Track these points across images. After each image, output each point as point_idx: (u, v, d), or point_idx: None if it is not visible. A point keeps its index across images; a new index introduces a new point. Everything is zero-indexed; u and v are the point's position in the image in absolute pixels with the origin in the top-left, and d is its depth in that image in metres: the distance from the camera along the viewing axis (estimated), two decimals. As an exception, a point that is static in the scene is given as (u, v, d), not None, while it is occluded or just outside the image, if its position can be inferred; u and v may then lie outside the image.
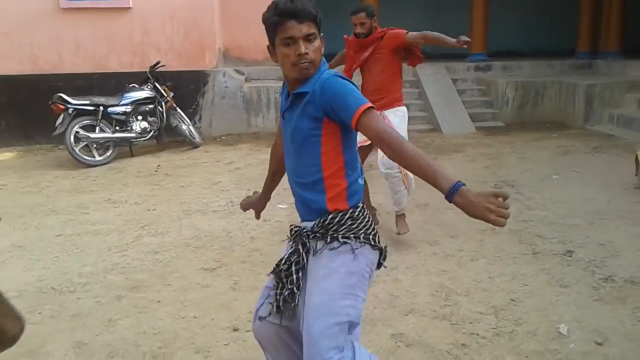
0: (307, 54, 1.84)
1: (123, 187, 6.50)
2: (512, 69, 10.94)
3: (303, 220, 2.08)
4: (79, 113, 7.53)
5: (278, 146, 2.29)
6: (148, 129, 8.05)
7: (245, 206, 2.54)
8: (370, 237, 2.01)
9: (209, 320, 3.30)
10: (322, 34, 1.90)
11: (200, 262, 4.19)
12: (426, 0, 13.68)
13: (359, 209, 2.01)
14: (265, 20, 1.88)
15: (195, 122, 9.14)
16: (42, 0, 8.79)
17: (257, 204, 2.49)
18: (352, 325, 1.99)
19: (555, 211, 5.15)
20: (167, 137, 8.45)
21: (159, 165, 7.53)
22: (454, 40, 4.25)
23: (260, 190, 2.47)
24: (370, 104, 1.80)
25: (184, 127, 8.50)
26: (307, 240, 2.01)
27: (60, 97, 7.45)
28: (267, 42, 1.94)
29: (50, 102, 7.51)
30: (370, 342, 3.02)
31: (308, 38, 1.84)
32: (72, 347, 3.03)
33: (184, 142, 8.58)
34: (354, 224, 1.98)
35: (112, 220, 5.24)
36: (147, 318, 3.35)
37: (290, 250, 2.06)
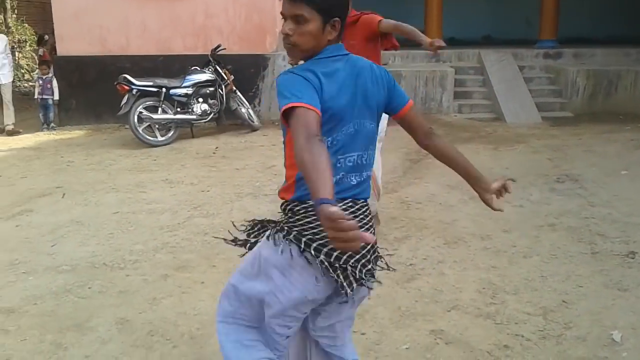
0: (288, 34, 1.74)
1: (181, 167, 6.64)
2: (584, 56, 10.37)
3: None
4: (143, 94, 7.74)
5: None
6: (208, 111, 8.19)
7: None
8: (304, 240, 1.77)
9: (249, 304, 3.32)
10: (334, 19, 1.74)
11: (247, 246, 4.21)
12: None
13: (303, 205, 1.80)
14: None
15: (254, 106, 9.22)
16: (112, -17, 9.06)
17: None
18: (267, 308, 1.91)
19: (620, 209, 4.86)
20: (227, 120, 8.56)
21: (217, 147, 7.64)
22: (427, 41, 3.85)
23: None
24: (291, 104, 1.61)
25: (243, 110, 8.59)
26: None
27: (125, 78, 7.68)
28: None
29: (115, 83, 7.76)
30: (408, 337, 2.95)
31: (297, 19, 1.72)
32: (115, 322, 3.13)
33: (242, 125, 8.67)
34: (292, 217, 1.82)
35: (167, 200, 5.37)
36: (190, 298, 3.40)
37: None
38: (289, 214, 1.84)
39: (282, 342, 1.99)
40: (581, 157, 6.68)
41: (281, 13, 1.77)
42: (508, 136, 7.87)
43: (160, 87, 7.81)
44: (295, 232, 1.80)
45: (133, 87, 7.68)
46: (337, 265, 1.76)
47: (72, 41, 9.22)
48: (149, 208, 5.15)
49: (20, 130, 8.99)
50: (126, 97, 7.70)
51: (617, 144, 7.26)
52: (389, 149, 6.88)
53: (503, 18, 13.10)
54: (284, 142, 1.88)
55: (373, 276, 1.89)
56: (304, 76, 1.69)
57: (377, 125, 1.89)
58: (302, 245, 1.78)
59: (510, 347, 2.85)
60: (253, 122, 8.64)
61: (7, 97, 9.03)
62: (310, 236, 1.78)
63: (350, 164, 1.81)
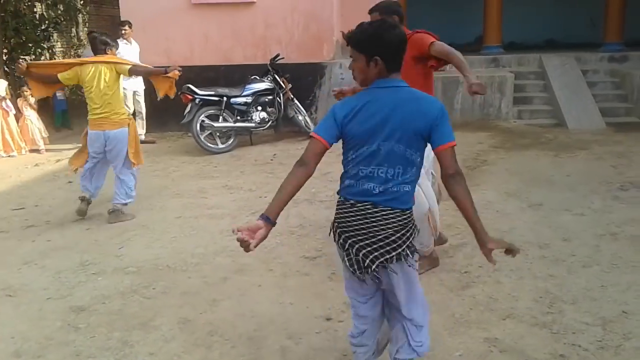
0: (352, 69, 2.32)
1: (240, 174, 6.84)
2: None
3: None
4: (205, 103, 8.03)
5: None
6: (267, 119, 8.39)
7: None
8: (330, 226, 2.34)
9: (303, 307, 3.42)
10: (374, 57, 2.18)
11: (302, 250, 4.32)
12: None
13: (339, 199, 2.30)
14: None
15: (311, 113, 9.37)
16: (176, -3, 9.45)
17: None
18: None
19: (688, 218, 4.67)
20: (284, 127, 8.74)
21: (275, 154, 7.82)
22: (470, 81, 3.57)
23: None
24: (312, 133, 2.31)
25: (300, 117, 8.75)
26: None
27: (189, 87, 7.98)
28: None
29: (179, 93, 8.07)
30: (462, 345, 2.96)
31: (352, 58, 2.28)
32: (177, 322, 3.29)
33: (299, 133, 8.82)
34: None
35: (227, 205, 5.55)
36: (247, 301, 3.53)
37: None
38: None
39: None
40: (647, 163, 6.44)
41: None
42: (569, 142, 7.67)
43: (222, 96, 8.07)
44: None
45: (196, 96, 7.97)
46: (347, 251, 2.25)
47: (140, 52, 9.65)
48: (209, 213, 5.35)
49: (155, 141, 9.12)
50: (189, 106, 8.00)
51: (688, 151, 6.95)
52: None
53: (566, 21, 12.75)
54: None
55: (384, 266, 2.23)
56: (333, 110, 2.27)
57: (416, 150, 2.20)
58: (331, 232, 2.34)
59: (566, 356, 2.82)
60: (310, 129, 8.77)
61: (142, 106, 9.24)
62: (334, 223, 2.31)
63: (370, 174, 2.20)
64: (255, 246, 2.13)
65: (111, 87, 5.05)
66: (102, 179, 5.43)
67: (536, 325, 3.14)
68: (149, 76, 5.68)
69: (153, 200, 5.86)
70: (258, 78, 8.50)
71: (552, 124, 8.83)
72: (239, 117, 8.24)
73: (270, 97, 8.47)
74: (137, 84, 8.92)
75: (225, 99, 8.08)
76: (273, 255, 4.26)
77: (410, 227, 2.25)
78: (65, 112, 10.78)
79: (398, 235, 2.20)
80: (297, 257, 4.21)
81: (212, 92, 8.13)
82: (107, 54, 5.14)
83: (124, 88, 8.15)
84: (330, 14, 9.40)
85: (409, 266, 2.27)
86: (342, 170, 2.32)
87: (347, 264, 2.26)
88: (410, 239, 2.24)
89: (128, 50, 8.72)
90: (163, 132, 9.72)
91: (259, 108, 8.38)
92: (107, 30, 18.01)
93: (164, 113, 9.57)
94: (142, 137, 8.85)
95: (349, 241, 2.23)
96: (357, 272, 2.24)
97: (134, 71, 5.21)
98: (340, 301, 3.45)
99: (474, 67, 9.98)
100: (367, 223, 2.18)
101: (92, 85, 5.02)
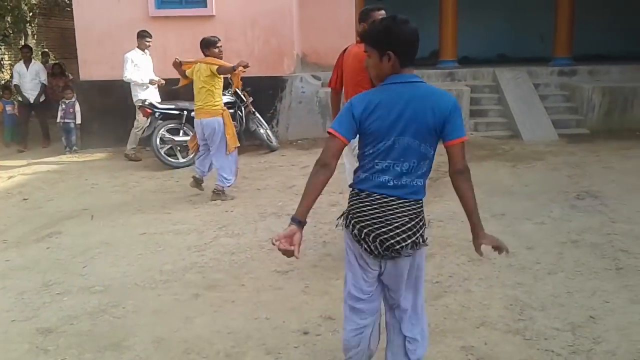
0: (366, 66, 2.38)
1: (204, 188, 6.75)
2: (599, 73, 10.42)
3: None
4: (165, 117, 7.91)
5: None
6: (226, 133, 8.31)
7: None
8: (342, 218, 2.41)
9: (280, 322, 3.39)
10: (387, 52, 2.23)
11: (274, 265, 4.29)
12: (506, 3, 13.29)
13: (353, 191, 2.35)
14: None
15: (272, 127, 9.35)
16: (132, 9, 9.31)
17: None
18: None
19: (642, 225, 4.89)
20: (246, 141, 8.68)
21: (237, 168, 7.74)
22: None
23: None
24: (330, 129, 2.27)
25: (261, 131, 8.73)
26: None
27: (148, 101, 7.85)
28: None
29: (138, 106, 7.93)
30: (440, 354, 3.00)
31: (366, 54, 2.34)
32: (151, 341, 3.21)
33: (261, 146, 8.79)
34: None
35: (192, 221, 5.47)
36: (222, 317, 3.48)
37: None
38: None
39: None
40: (600, 173, 6.71)
41: None
42: (525, 153, 7.92)
43: (182, 109, 7.98)
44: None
45: (156, 110, 7.86)
46: (360, 238, 2.30)
47: (95, 65, 9.45)
48: (175, 229, 5.26)
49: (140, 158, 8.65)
50: (149, 120, 7.87)
51: (635, 160, 7.28)
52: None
53: (517, 36, 13.18)
54: None
55: (397, 252, 2.28)
56: (351, 106, 2.27)
57: (430, 145, 2.26)
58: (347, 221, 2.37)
59: (540, 362, 2.89)
60: (271, 142, 8.77)
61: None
62: (346, 212, 2.38)
63: (386, 168, 2.25)
64: (298, 252, 2.19)
65: (207, 82, 6.01)
66: (207, 164, 6.33)
67: (509, 332, 3.21)
68: (229, 73, 6.34)
69: (114, 216, 5.72)
70: (219, 91, 8.43)
71: (507, 135, 9.10)
72: (199, 131, 8.14)
73: (231, 111, 8.38)
74: (152, 94, 8.55)
75: (185, 112, 7.98)
76: (244, 270, 4.22)
77: (423, 217, 2.33)
78: (15, 127, 10.41)
79: (413, 223, 2.26)
80: (268, 272, 4.18)
81: (172, 106, 8.03)
82: (208, 55, 6.12)
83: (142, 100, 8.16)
84: (290, 28, 9.44)
85: (420, 255, 2.40)
86: (357, 164, 2.37)
87: (364, 249, 2.31)
88: (423, 227, 2.32)
89: (146, 61, 8.55)
90: (120, 146, 9.50)
91: (220, 122, 8.30)
92: (55, 43, 17.54)
93: (120, 127, 9.38)
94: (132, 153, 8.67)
95: (365, 230, 2.27)
96: (372, 254, 2.30)
97: (221, 70, 6.07)
98: (317, 315, 3.45)
99: (431, 81, 10.20)
100: (382, 212, 2.24)
101: (194, 80, 6.12)
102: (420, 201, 2.31)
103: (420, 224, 2.31)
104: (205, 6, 9.37)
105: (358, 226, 2.29)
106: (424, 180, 2.31)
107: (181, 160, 8.02)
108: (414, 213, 2.27)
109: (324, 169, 2.23)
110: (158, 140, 7.81)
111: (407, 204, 2.26)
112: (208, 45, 6.16)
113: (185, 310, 3.59)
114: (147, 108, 7.83)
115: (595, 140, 8.71)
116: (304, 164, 7.72)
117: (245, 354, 3.05)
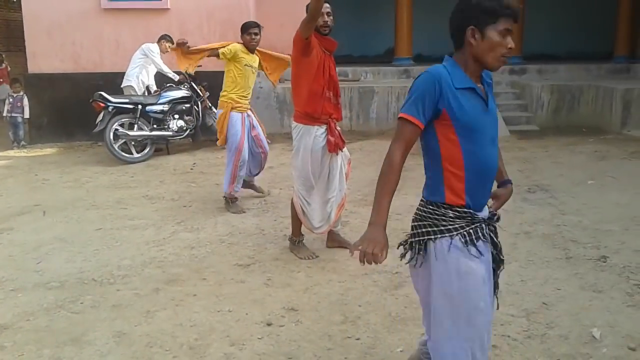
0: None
1: (160, 184, 6.66)
2: (548, 72, 10.81)
3: (479, 210, 2.09)
4: (119, 111, 7.75)
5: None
6: (184, 128, 8.22)
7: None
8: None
9: (243, 314, 3.39)
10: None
11: (235, 258, 4.28)
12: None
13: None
14: (491, 4, 1.97)
15: (229, 122, 9.27)
16: (84, 1, 9.07)
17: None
18: None
19: (589, 216, 5.10)
20: (203, 136, 8.61)
21: (194, 164, 7.69)
22: None
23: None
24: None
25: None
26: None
27: (101, 95, 7.68)
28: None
29: (90, 100, 7.74)
30: (402, 341, 3.06)
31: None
32: (112, 336, 3.15)
33: (218, 141, 8.71)
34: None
35: (150, 216, 5.39)
36: (184, 311, 3.45)
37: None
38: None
39: None
40: (549, 168, 6.97)
41: (508, 29, 2.01)
42: (478, 149, 8.11)
43: (136, 104, 7.83)
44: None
45: (109, 104, 7.68)
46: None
47: (44, 58, 9.17)
48: (132, 224, 5.16)
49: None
50: (102, 114, 7.69)
51: (582, 156, 7.58)
52: (365, 162, 7.06)
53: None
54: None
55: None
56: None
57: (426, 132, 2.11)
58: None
59: (498, 346, 2.99)
60: (228, 138, 8.69)
61: None
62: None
63: None
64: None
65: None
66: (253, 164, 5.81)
67: (467, 320, 3.31)
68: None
69: (68, 212, 5.57)
70: (174, 86, 8.33)
71: (460, 131, 9.31)
72: (155, 126, 8.02)
73: (187, 106, 8.32)
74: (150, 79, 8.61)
75: (140, 106, 7.84)
76: (205, 264, 4.19)
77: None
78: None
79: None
80: (230, 265, 4.16)
81: (126, 100, 7.88)
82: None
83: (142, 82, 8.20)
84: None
85: None
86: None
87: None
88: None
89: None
90: (70, 141, 9.28)
91: (176, 116, 8.21)
92: (1, 35, 16.88)
93: (71, 122, 9.15)
94: None
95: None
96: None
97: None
98: (279, 306, 3.47)
99: (387, 78, 10.35)
100: None
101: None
102: None
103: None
104: (160, -1, 9.23)
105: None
106: (429, 174, 2.15)
107: (136, 155, 7.87)
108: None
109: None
110: (111, 135, 7.64)
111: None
112: (242, 30, 5.45)
113: (146, 304, 3.55)
114: (100, 102, 7.64)
115: (545, 136, 9.03)
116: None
117: (209, 345, 3.04)
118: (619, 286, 3.69)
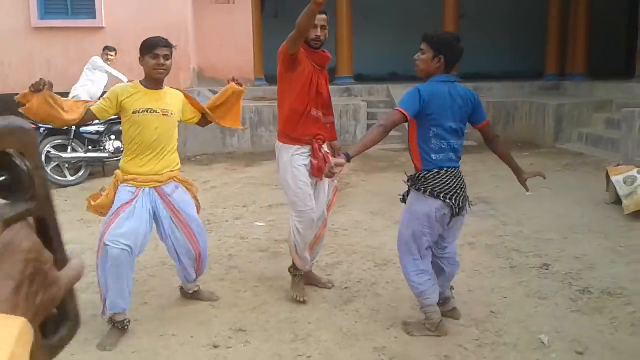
0: (416, 60, 3.27)
1: (96, 207, 6.37)
2: (483, 90, 11.14)
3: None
4: (51, 132, 7.41)
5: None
6: (122, 149, 7.92)
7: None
8: (434, 191, 3.16)
9: (188, 338, 3.24)
10: (440, 55, 3.13)
11: (178, 281, 4.09)
12: (398, 24, 13.93)
13: (431, 171, 3.17)
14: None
15: (169, 142, 9.05)
16: (13, 19, 8.72)
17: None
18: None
19: (530, 226, 5.23)
20: (141, 157, 8.34)
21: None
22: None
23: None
24: (397, 108, 3.07)
25: (158, 147, 8.41)
26: None
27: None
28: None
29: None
30: (353, 356, 3.00)
31: (421, 51, 3.20)
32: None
33: (158, 162, 8.47)
34: (425, 179, 3.24)
35: (87, 240, 5.13)
36: (125, 336, 3.26)
37: None
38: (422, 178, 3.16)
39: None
40: (489, 181, 7.14)
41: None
42: (420, 165, 8.24)
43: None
44: (430, 187, 3.11)
45: (40, 125, 7.32)
46: (449, 199, 3.07)
47: (-31, 79, 8.72)
48: (67, 248, 4.88)
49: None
50: (33, 136, 7.33)
51: (519, 169, 7.80)
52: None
53: (407, 56, 13.79)
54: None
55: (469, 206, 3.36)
56: (419, 90, 3.00)
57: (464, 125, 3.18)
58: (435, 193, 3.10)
59: (450, 357, 2.97)
60: (169, 159, 8.47)
61: None
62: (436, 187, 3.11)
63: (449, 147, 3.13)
64: (338, 174, 2.97)
65: None
66: None
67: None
68: None
69: (-4, 239, 5.23)
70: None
71: (403, 148, 9.41)
72: (90, 147, 7.71)
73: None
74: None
75: (74, 127, 7.53)
76: (146, 288, 4.01)
77: None
78: None
79: (466, 187, 3.24)
80: (173, 288, 3.99)
81: (60, 121, 7.54)
82: None
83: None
84: (186, 42, 9.26)
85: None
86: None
87: (454, 204, 3.10)
88: None
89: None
90: None
91: (113, 137, 7.92)
92: None
93: None
94: None
95: (448, 196, 3.07)
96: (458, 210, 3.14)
97: None
98: (227, 328, 3.34)
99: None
100: (457, 181, 3.16)
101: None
102: None
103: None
104: (95, 17, 9.01)
105: (449, 196, 3.05)
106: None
107: (70, 178, 7.54)
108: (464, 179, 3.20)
109: (382, 130, 3.05)
110: (43, 157, 7.29)
111: (461, 172, 3.17)
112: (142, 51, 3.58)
113: (83, 332, 3.32)
114: (31, 123, 7.28)
115: (482, 151, 9.17)
116: (204, 179, 7.54)
117: (152, 372, 2.87)
118: (562, 292, 3.77)
